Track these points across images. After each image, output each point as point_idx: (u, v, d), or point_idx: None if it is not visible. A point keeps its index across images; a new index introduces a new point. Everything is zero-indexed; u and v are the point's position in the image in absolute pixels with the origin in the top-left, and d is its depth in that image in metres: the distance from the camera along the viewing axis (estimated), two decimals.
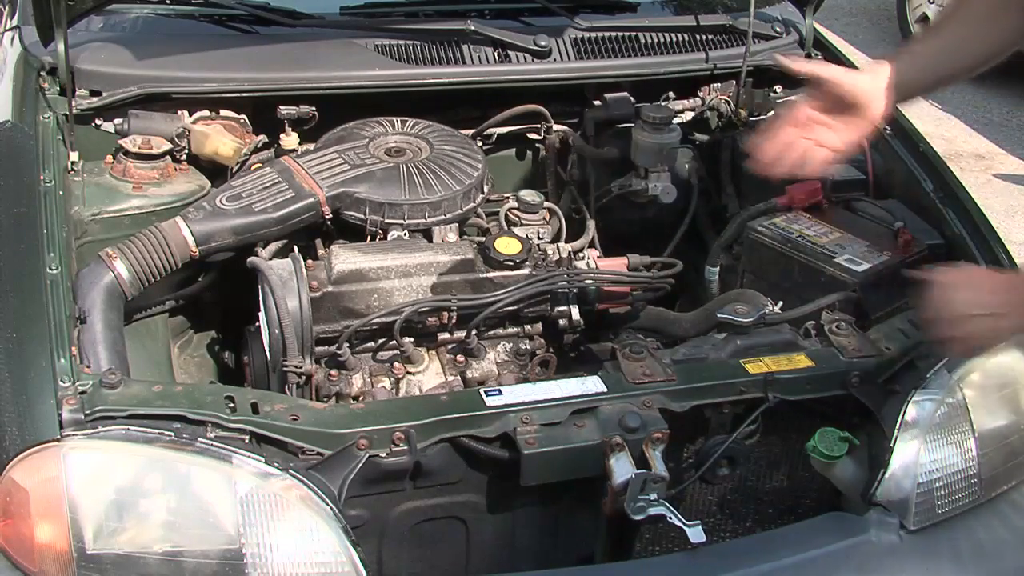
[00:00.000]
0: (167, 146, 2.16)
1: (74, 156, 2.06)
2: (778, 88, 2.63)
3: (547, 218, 2.34)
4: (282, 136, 2.28)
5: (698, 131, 2.69)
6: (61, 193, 1.88)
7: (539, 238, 2.26)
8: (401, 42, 2.37)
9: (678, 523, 1.56)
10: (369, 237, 2.06)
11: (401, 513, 1.69)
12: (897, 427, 1.72)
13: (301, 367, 1.82)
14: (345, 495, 1.51)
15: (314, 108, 2.30)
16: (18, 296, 1.62)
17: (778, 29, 2.70)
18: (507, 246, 2.01)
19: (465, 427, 1.61)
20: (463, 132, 2.38)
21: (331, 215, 2.05)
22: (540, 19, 2.52)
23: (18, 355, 1.53)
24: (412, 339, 1.91)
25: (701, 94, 2.66)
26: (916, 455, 1.72)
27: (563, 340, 2.06)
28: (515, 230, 2.20)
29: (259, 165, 2.18)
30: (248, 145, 2.26)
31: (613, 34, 2.52)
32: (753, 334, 1.91)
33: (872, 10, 7.89)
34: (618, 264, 2.16)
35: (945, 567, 1.73)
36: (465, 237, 2.19)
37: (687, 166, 2.56)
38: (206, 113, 2.25)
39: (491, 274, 1.98)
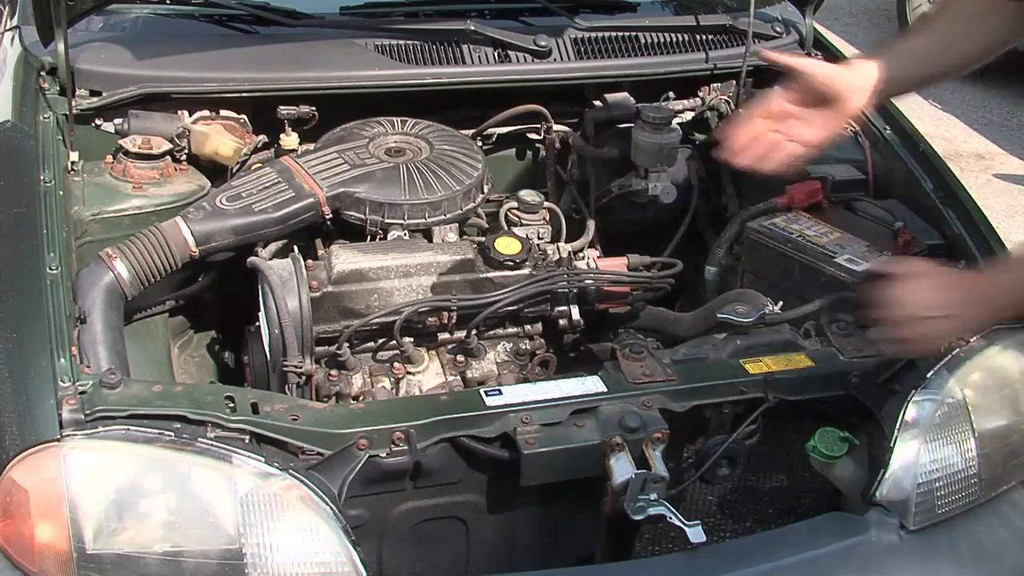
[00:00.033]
0: (167, 146, 2.15)
1: (74, 156, 2.06)
2: (778, 88, 2.63)
3: (547, 218, 2.34)
4: (282, 136, 2.28)
5: (698, 131, 2.69)
6: (61, 193, 1.88)
7: (539, 238, 2.26)
8: (401, 42, 2.36)
9: (678, 523, 1.56)
10: (369, 237, 2.06)
11: (401, 513, 1.69)
12: (897, 427, 1.71)
13: (301, 367, 1.82)
14: (345, 495, 1.50)
15: (314, 108, 2.30)
16: (18, 296, 1.62)
17: (778, 29, 2.69)
18: (507, 246, 2.01)
19: (465, 427, 1.61)
20: (463, 132, 2.38)
21: (331, 215, 2.05)
22: (540, 19, 2.52)
23: (18, 355, 1.53)
24: (412, 339, 1.91)
25: (701, 94, 2.66)
26: (916, 455, 1.71)
27: (563, 340, 2.06)
28: (515, 230, 2.20)
29: (259, 165, 2.18)
30: (248, 145, 2.26)
31: (613, 34, 2.52)
32: (753, 334, 1.91)
33: (872, 10, 7.90)
34: (618, 264, 2.16)
35: (945, 567, 1.72)
36: (465, 237, 2.19)
37: (687, 166, 2.56)
38: (206, 113, 2.25)
39: (491, 274, 1.98)
